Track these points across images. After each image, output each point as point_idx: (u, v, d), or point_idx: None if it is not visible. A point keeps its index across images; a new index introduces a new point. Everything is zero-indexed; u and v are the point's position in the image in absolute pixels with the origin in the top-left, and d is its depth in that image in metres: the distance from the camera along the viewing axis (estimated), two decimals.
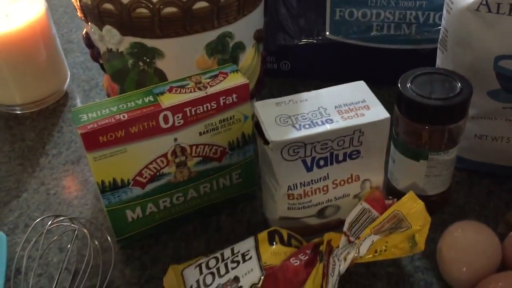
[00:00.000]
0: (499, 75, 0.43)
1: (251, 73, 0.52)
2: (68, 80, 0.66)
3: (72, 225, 0.45)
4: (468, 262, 0.39)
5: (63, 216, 0.44)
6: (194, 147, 0.43)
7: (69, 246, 0.45)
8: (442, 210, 0.47)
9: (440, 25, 0.57)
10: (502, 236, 0.41)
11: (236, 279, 0.36)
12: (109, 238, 0.45)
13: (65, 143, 0.58)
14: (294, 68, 0.64)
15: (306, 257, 0.37)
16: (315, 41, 0.61)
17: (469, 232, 0.40)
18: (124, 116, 0.39)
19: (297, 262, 0.36)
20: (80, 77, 0.69)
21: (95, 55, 0.50)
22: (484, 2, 0.41)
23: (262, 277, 0.35)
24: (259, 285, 0.35)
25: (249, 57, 0.51)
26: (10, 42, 0.58)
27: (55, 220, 0.44)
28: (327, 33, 0.61)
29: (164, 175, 0.43)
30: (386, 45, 0.59)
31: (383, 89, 0.51)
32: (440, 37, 0.47)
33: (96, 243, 0.45)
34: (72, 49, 0.75)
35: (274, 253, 0.37)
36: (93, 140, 0.39)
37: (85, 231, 0.44)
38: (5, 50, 0.58)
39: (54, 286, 0.42)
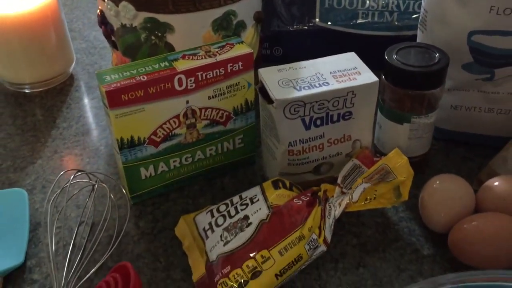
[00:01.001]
0: (472, 49, 0.49)
1: None
2: (74, 63, 0.70)
3: (90, 181, 0.49)
4: (446, 208, 0.44)
5: (82, 171, 0.48)
6: (203, 110, 0.48)
7: (87, 200, 0.49)
8: (423, 171, 0.52)
9: (418, 13, 0.63)
10: (475, 192, 0.46)
11: (246, 217, 0.41)
12: (125, 192, 0.49)
13: (74, 117, 0.62)
14: (286, 53, 0.70)
15: (308, 198, 0.42)
16: (306, 28, 0.67)
17: (446, 183, 0.46)
18: (143, 78, 0.44)
19: (299, 202, 0.41)
20: (84, 61, 0.73)
21: (108, 32, 0.55)
22: None
23: (269, 214, 0.40)
24: (267, 220, 0.40)
25: (249, 36, 0.56)
26: (24, 24, 0.62)
27: (77, 174, 0.48)
28: (317, 20, 0.66)
29: (175, 136, 0.48)
30: (370, 31, 0.65)
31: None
32: (420, 18, 0.53)
33: (112, 197, 0.49)
34: (75, 37, 0.79)
35: (279, 195, 0.42)
36: (116, 98, 0.43)
37: (104, 185, 0.48)
38: (18, 31, 0.62)
39: (74, 236, 0.46)
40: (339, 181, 0.46)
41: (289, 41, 0.68)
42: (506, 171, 0.48)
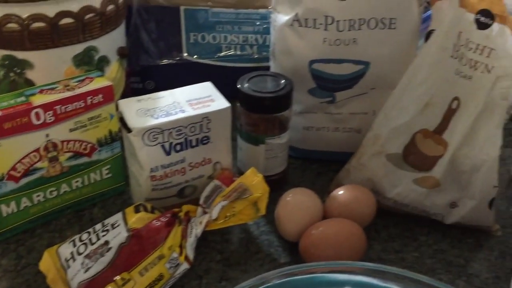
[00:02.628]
0: (314, 76, 0.56)
1: (116, 85, 0.59)
2: None
3: None
4: (297, 218, 0.49)
5: None
6: (65, 143, 0.49)
7: None
8: (282, 188, 0.57)
9: None
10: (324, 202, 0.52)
11: (106, 242, 0.42)
12: None
13: None
14: (158, 86, 0.73)
15: (167, 219, 0.44)
16: (174, 62, 0.70)
17: (297, 196, 0.51)
18: None
19: (158, 223, 0.44)
20: None
21: None
22: (295, 18, 0.53)
23: (128, 236, 0.42)
24: (126, 243, 0.42)
25: (114, 70, 0.58)
26: None
27: None
28: (185, 54, 0.70)
29: (37, 170, 0.48)
30: (234, 63, 0.70)
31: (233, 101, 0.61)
32: (271, 50, 0.59)
33: None
34: None
35: (139, 219, 0.44)
36: None
37: None
38: None
39: None
40: (201, 201, 0.49)
41: (159, 75, 0.71)
42: (349, 181, 0.54)
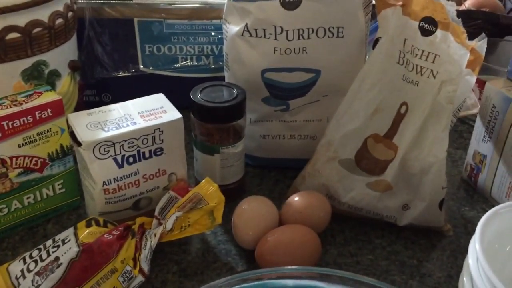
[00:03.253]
0: (266, 84, 0.56)
1: (68, 99, 0.58)
2: None
3: None
4: (252, 226, 0.49)
5: None
6: (14, 159, 0.48)
7: None
8: (240, 196, 0.57)
9: None
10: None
11: (57, 258, 0.42)
12: None
13: None
14: (115, 99, 0.72)
15: (119, 232, 0.44)
16: (130, 74, 0.70)
17: (252, 204, 0.51)
18: None
19: (110, 237, 0.43)
20: None
21: None
22: (246, 29, 0.54)
23: (79, 251, 0.41)
24: (77, 258, 0.41)
25: (66, 84, 0.58)
26: None
27: None
28: (141, 66, 0.70)
29: None
30: (191, 74, 0.71)
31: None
32: (224, 60, 0.59)
33: None
34: None
35: (90, 233, 0.44)
36: None
37: None
38: None
39: None
40: (156, 213, 0.49)
41: (116, 87, 0.71)
42: (305, 187, 0.55)
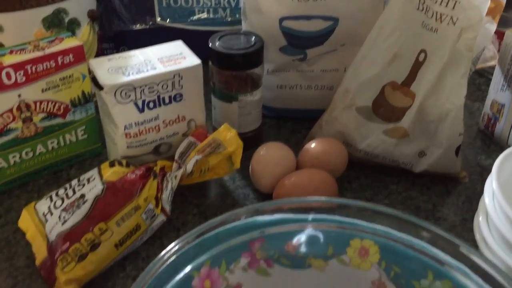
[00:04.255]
0: (284, 33, 0.56)
1: (88, 48, 0.59)
2: None
3: None
4: (270, 170, 0.50)
5: None
6: (38, 103, 0.49)
7: None
8: (257, 145, 0.58)
9: None
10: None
11: (82, 196, 0.43)
12: None
13: None
14: None
15: (141, 172, 0.45)
16: (148, 27, 0.70)
17: (270, 149, 0.52)
18: None
19: (133, 176, 0.44)
20: None
21: None
22: None
23: (104, 189, 0.43)
24: (102, 195, 0.43)
25: (85, 33, 0.58)
26: None
27: None
28: (158, 18, 0.70)
29: (11, 130, 0.49)
30: (207, 27, 0.71)
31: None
32: (242, 9, 0.59)
33: None
34: None
35: (114, 172, 0.45)
36: None
37: None
38: None
39: None
40: (176, 157, 0.50)
41: (133, 40, 0.71)
42: (322, 135, 0.55)
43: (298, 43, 0.57)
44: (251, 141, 0.57)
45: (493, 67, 0.61)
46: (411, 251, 0.33)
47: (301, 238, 0.35)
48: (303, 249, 0.35)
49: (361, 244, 0.35)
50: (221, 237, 0.34)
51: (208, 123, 0.57)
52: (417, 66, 0.52)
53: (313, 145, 0.52)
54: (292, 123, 0.62)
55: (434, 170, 0.53)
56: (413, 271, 0.33)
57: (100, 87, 0.47)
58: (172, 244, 0.32)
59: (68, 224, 0.42)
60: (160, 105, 0.50)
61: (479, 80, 0.70)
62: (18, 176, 0.51)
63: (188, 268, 0.32)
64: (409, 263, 0.33)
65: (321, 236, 0.35)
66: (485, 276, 0.30)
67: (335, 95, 0.55)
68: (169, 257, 0.31)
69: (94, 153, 0.56)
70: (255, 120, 0.57)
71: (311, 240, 0.35)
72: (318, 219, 0.35)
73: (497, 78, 0.57)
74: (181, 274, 0.32)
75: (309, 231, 0.35)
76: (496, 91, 0.57)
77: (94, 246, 0.41)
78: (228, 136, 0.50)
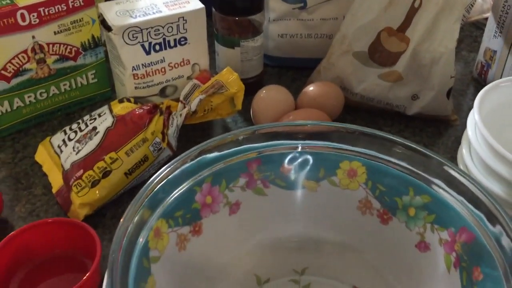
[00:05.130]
0: None
1: None
2: None
3: None
4: (271, 110, 0.53)
5: None
6: (51, 45, 0.52)
7: None
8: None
9: None
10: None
11: (94, 128, 0.46)
12: None
13: None
14: None
15: (148, 108, 0.48)
16: None
17: (270, 91, 0.55)
18: None
19: (141, 110, 0.48)
20: None
21: None
22: None
23: (114, 121, 0.46)
24: (112, 127, 0.46)
25: None
26: None
27: None
28: None
29: (26, 71, 0.52)
30: None
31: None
32: None
33: None
34: None
35: (123, 107, 0.48)
36: None
37: None
38: None
39: None
40: (181, 98, 0.53)
41: None
42: (320, 80, 0.58)
43: None
44: (252, 87, 0.59)
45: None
46: (394, 170, 0.36)
47: (295, 161, 0.38)
48: (297, 171, 0.38)
49: (350, 165, 0.38)
50: (220, 158, 0.37)
51: (212, 71, 0.60)
52: (412, 12, 0.54)
53: (311, 88, 0.55)
54: (292, 71, 0.65)
55: (426, 112, 0.56)
56: (396, 188, 0.36)
57: (109, 29, 0.50)
58: (173, 161, 0.35)
59: (82, 154, 0.45)
60: (166, 48, 0.53)
61: (476, 32, 0.72)
62: (34, 115, 0.55)
63: (190, 183, 0.36)
64: (392, 181, 0.36)
65: (313, 159, 0.38)
66: (459, 187, 0.33)
67: (333, 41, 0.57)
68: (170, 172, 0.35)
69: (104, 96, 0.59)
70: (257, 67, 0.60)
71: (304, 163, 0.38)
72: (311, 143, 0.38)
73: (491, 25, 0.59)
74: (184, 188, 0.35)
75: (302, 154, 0.38)
76: (489, 38, 0.59)
77: (105, 174, 0.44)
78: (230, 79, 0.53)
